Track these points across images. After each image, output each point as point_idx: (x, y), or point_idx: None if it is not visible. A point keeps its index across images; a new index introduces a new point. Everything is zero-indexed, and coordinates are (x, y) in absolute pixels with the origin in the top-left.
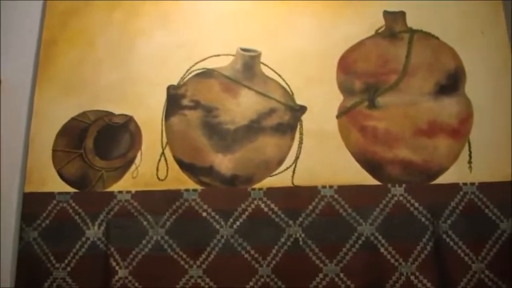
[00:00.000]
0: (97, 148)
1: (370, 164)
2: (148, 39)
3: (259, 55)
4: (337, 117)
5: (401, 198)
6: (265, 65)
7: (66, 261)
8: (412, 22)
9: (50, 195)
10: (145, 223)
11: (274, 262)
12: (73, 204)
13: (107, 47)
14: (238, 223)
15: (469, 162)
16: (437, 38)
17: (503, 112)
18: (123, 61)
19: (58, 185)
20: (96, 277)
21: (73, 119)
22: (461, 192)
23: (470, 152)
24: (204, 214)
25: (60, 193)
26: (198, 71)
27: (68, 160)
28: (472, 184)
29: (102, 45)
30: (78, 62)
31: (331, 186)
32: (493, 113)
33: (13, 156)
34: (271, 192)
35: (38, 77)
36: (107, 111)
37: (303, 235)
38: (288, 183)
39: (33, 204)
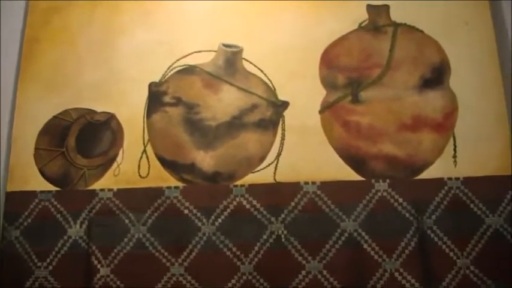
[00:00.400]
0: (79, 146)
1: (353, 160)
2: (130, 37)
3: (241, 51)
4: (320, 112)
5: (385, 193)
6: (247, 60)
7: (48, 260)
8: (396, 16)
9: (32, 194)
10: (127, 221)
11: (256, 259)
12: (55, 203)
13: (89, 45)
14: (220, 220)
15: (454, 156)
16: (421, 31)
17: (489, 105)
18: (105, 59)
19: (40, 184)
20: (78, 276)
21: (55, 117)
22: (446, 187)
23: (455, 146)
24: (186, 211)
25: (42, 192)
26: (180, 68)
27: (50, 158)
28: (457, 179)
29: (84, 43)
30: (60, 60)
31: (313, 182)
32: (478, 107)
33: None
34: (253, 188)
35: (20, 76)
36: (89, 109)
37: (285, 232)
38: (270, 180)
39: (15, 203)
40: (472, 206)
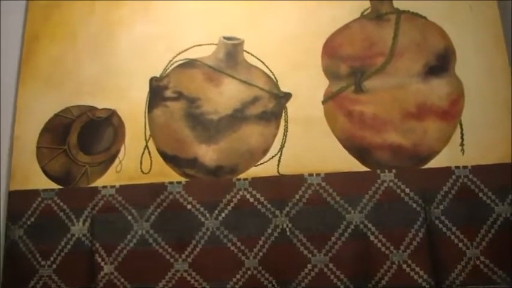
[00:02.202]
0: (81, 143)
1: (358, 150)
2: (130, 31)
3: (242, 43)
4: (323, 103)
5: (391, 184)
6: (248, 52)
7: (52, 259)
8: (398, 3)
9: (35, 193)
10: (129, 217)
11: (261, 254)
12: (58, 201)
13: (89, 40)
14: (223, 215)
15: (461, 144)
16: (424, 17)
17: (496, 91)
18: (105, 54)
19: (42, 182)
20: (82, 274)
21: (56, 115)
22: (453, 176)
23: (462, 134)
24: (189, 206)
25: (44, 190)
26: (181, 62)
27: (52, 156)
28: (465, 167)
29: (84, 39)
30: (60, 56)
31: (318, 174)
32: (485, 93)
33: None
34: (256, 182)
35: (21, 73)
36: (90, 106)
37: (290, 225)
38: (274, 173)
39: (18, 202)
40: (480, 195)
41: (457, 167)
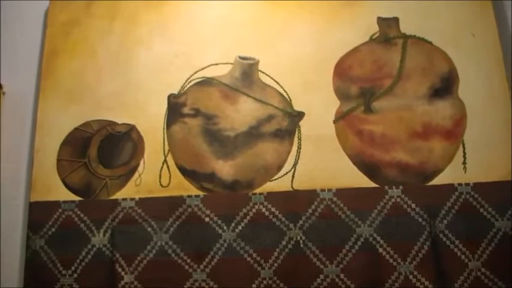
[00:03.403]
0: (101, 157)
1: (367, 167)
2: (148, 49)
3: (257, 63)
4: (335, 122)
5: (398, 199)
6: (263, 72)
7: (73, 268)
8: (405, 28)
9: (56, 204)
10: (149, 229)
11: (276, 264)
12: (78, 212)
13: (108, 57)
14: (240, 227)
15: (464, 163)
16: (430, 42)
17: (496, 112)
18: (123, 70)
19: (63, 194)
20: (103, 283)
21: (76, 129)
22: (456, 193)
23: (464, 153)
24: (207, 219)
25: (65, 202)
26: (198, 80)
27: (73, 169)
28: (467, 184)
29: (103, 55)
30: (80, 72)
31: (329, 190)
32: (486, 114)
33: (19, 166)
34: (271, 196)
35: (41, 88)
36: (109, 121)
37: (303, 238)
38: (288, 188)
39: (39, 212)
40: (481, 210)
41: (460, 184)
